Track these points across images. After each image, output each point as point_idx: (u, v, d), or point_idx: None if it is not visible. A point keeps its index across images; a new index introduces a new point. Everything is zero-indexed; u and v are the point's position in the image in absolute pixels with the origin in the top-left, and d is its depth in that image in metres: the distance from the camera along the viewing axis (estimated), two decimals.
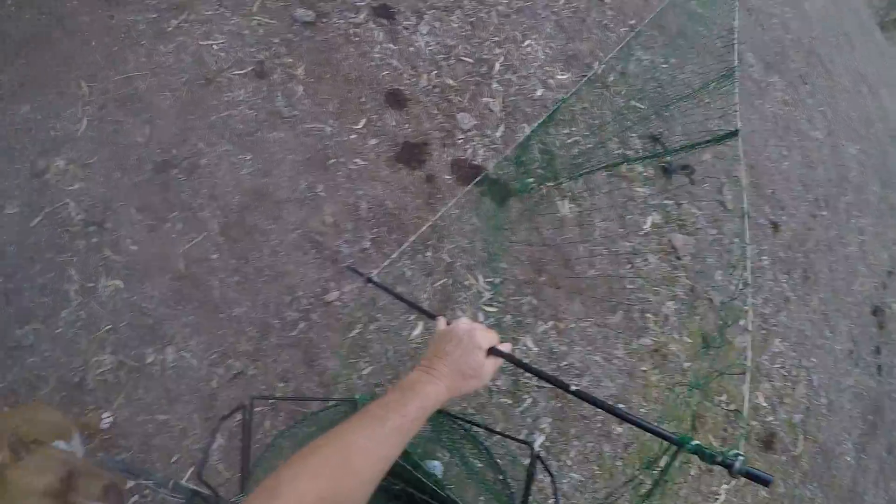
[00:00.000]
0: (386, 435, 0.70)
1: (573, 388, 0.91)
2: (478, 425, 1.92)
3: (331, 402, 1.80)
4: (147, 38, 2.90)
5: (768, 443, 3.53)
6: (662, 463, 0.96)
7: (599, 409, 0.88)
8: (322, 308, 2.36)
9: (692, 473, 3.06)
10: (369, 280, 1.61)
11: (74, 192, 2.46)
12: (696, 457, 0.78)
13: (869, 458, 4.82)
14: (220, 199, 2.53)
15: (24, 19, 2.98)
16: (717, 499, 3.24)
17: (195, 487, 1.21)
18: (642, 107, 3.45)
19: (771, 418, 3.55)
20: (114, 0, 3.01)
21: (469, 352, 0.85)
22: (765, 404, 3.50)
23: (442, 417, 1.87)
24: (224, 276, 2.39)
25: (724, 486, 3.28)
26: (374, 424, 0.71)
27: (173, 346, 2.26)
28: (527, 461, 1.46)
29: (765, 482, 0.74)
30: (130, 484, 1.93)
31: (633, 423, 0.84)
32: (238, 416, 1.31)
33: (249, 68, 2.87)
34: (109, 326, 2.23)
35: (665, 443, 0.82)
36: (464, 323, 0.91)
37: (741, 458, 0.73)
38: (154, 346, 2.23)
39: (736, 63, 2.66)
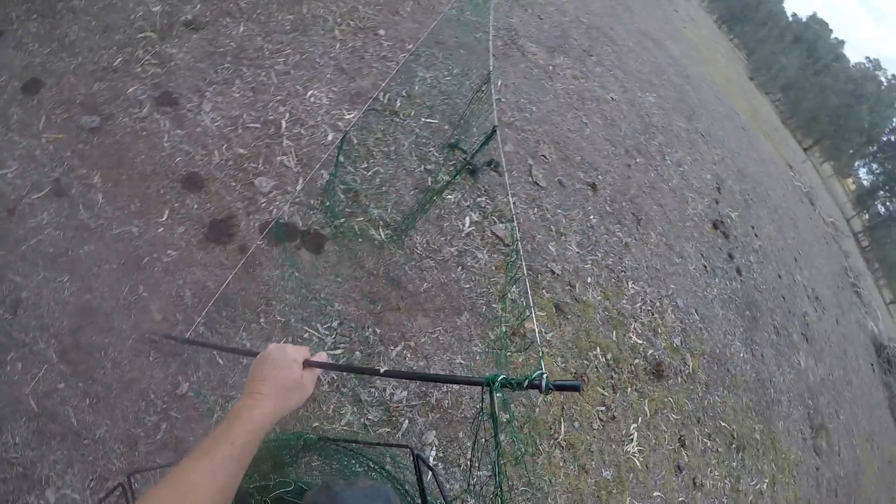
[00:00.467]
0: (217, 466, 0.72)
1: (382, 370, 1.02)
2: (358, 442, 1.98)
3: None
4: None
5: (658, 372, 3.79)
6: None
7: (416, 380, 0.97)
8: (178, 403, 2.34)
9: (595, 427, 3.25)
10: (184, 341, 1.63)
11: None
12: (517, 391, 0.87)
13: (761, 346, 5.29)
14: (50, 327, 2.46)
15: None
16: (631, 439, 3.45)
17: None
18: (434, 121, 3.75)
19: (651, 351, 3.84)
20: None
21: (284, 367, 0.91)
22: (640, 342, 3.79)
23: (327, 445, 1.93)
24: (76, 402, 2.32)
25: (633, 426, 3.49)
26: (204, 458, 0.72)
27: (51, 487, 2.15)
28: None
29: (575, 388, 0.82)
30: None
31: (442, 381, 0.94)
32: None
33: (47, 189, 2.83)
34: None
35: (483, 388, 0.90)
36: (273, 345, 0.96)
37: (545, 375, 0.80)
38: (34, 493, 2.11)
39: (491, 67, 2.99)
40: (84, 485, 2.18)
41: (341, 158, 3.04)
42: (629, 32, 8.23)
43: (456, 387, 2.78)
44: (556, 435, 3.03)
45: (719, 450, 4.18)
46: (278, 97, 3.45)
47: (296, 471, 2.00)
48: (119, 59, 3.30)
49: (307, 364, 0.95)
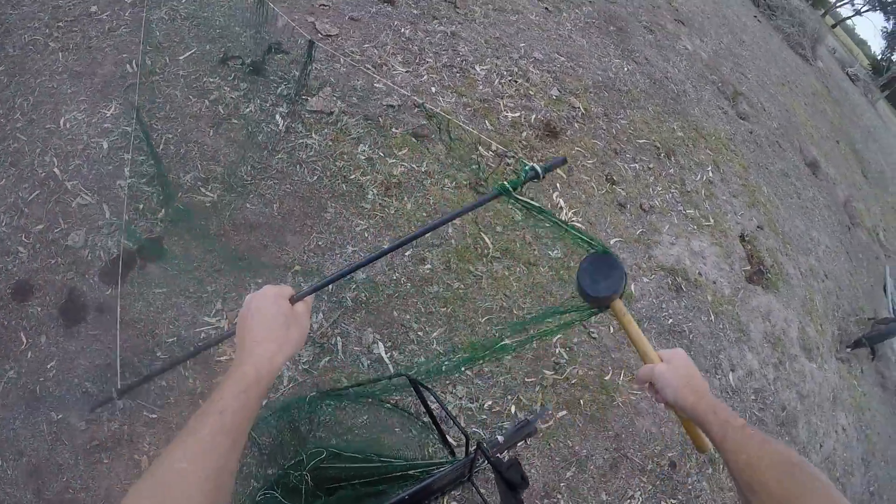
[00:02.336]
0: (206, 446, 0.60)
1: (385, 248, 1.02)
2: (358, 384, 2.04)
3: None
4: None
5: (552, 131, 3.62)
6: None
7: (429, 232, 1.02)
8: None
9: (519, 219, 3.13)
10: (121, 392, 1.49)
11: None
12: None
13: (641, 51, 5.14)
14: None
15: None
16: (560, 208, 3.36)
17: None
18: (192, 50, 3.20)
19: (534, 115, 3.64)
20: None
21: (270, 305, 0.79)
22: (517, 114, 3.57)
23: (331, 397, 2.00)
24: None
25: (556, 195, 3.39)
26: (189, 440, 0.61)
27: None
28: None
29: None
30: None
31: (460, 215, 1.03)
32: None
33: None
34: None
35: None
36: (249, 295, 0.82)
37: (537, 165, 0.97)
38: None
39: None
40: None
41: (124, 157, 2.58)
42: None
43: (362, 275, 2.59)
44: (485, 252, 2.91)
45: (651, 166, 4.16)
46: (37, 150, 2.91)
47: (317, 436, 2.01)
48: None
49: (294, 299, 0.84)
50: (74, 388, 2.34)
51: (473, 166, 3.10)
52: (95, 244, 2.63)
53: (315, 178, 2.74)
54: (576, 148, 3.69)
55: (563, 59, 4.18)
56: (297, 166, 2.75)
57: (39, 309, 2.53)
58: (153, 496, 0.57)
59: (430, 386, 1.59)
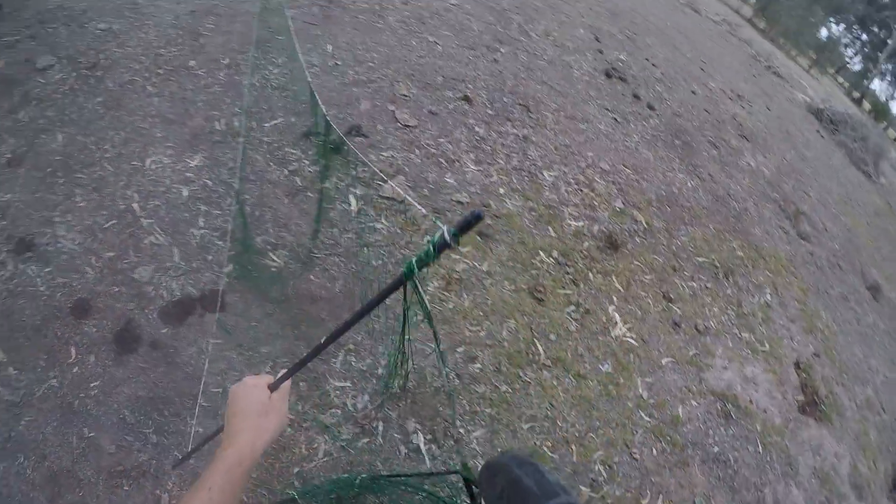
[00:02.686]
0: None
1: (322, 340, 0.98)
2: (408, 475, 2.01)
3: None
4: None
5: (612, 244, 3.62)
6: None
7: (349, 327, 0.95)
8: None
9: (573, 329, 3.08)
10: (185, 457, 1.52)
11: None
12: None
13: (705, 167, 5.18)
14: None
15: None
16: (615, 323, 3.30)
17: None
18: (279, 120, 3.41)
19: (596, 226, 3.66)
20: None
21: (248, 395, 0.89)
22: (581, 223, 3.60)
23: (380, 482, 1.96)
24: None
25: (612, 308, 3.34)
26: None
27: None
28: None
29: (478, 217, 0.72)
30: None
31: (370, 309, 0.92)
32: None
33: None
34: None
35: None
36: (233, 385, 0.93)
37: (446, 228, 0.73)
38: None
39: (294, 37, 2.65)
40: None
41: (200, 208, 2.72)
42: None
43: (417, 366, 2.57)
44: (536, 358, 2.85)
45: (708, 285, 4.09)
46: (121, 182, 3.12)
47: None
48: None
49: (272, 387, 0.93)
50: (112, 413, 2.35)
51: (533, 272, 3.10)
52: (161, 283, 2.72)
53: (380, 262, 2.79)
54: (635, 262, 3.66)
55: (628, 170, 4.25)
56: (365, 248, 2.82)
57: (94, 330, 2.59)
58: None
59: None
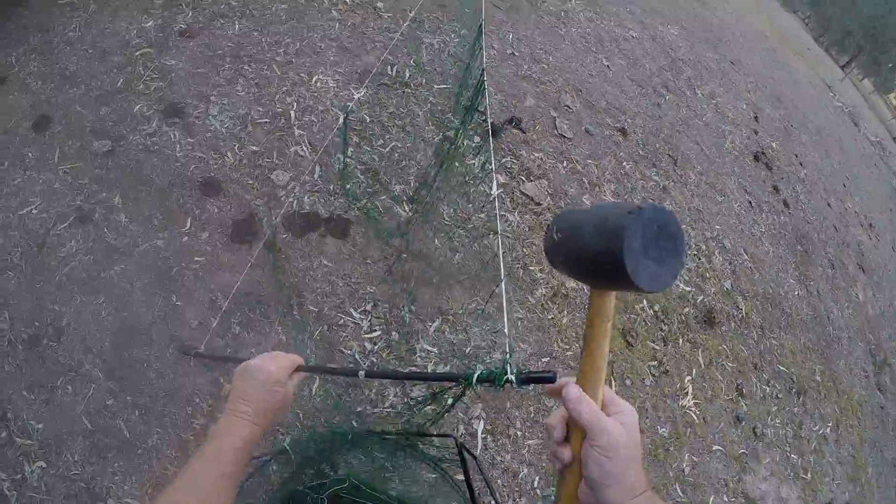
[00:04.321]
0: (209, 486, 0.71)
1: (361, 373, 0.97)
2: (404, 433, 1.98)
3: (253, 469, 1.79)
4: None
5: (710, 320, 3.62)
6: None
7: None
8: (222, 403, 2.34)
9: (648, 383, 3.12)
10: (196, 355, 1.62)
11: None
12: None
13: (816, 282, 5.02)
14: (93, 348, 2.49)
15: None
16: (686, 393, 3.31)
17: None
18: (447, 86, 3.56)
19: (701, 297, 3.65)
20: None
21: (268, 391, 0.88)
22: (688, 289, 3.60)
23: (374, 438, 1.91)
24: (126, 415, 2.35)
25: (688, 378, 3.35)
26: (194, 479, 0.71)
27: (112, 497, 2.20)
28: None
29: (548, 381, 0.73)
30: None
31: (422, 379, 0.90)
32: None
33: (72, 218, 2.83)
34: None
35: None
36: (256, 360, 0.92)
37: (516, 373, 0.76)
38: None
39: (482, 20, 2.79)
40: (143, 491, 2.22)
41: (353, 138, 2.91)
42: None
43: (498, 355, 2.68)
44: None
45: (779, 396, 4.00)
46: (284, 88, 3.34)
47: (346, 466, 1.97)
48: (121, 81, 3.27)
49: (300, 368, 0.94)
50: (206, 291, 2.55)
51: (632, 316, 3.14)
52: (292, 191, 2.90)
53: (502, 251, 2.90)
54: (723, 345, 3.64)
55: (746, 257, 4.18)
56: (491, 234, 2.94)
57: (216, 210, 2.82)
58: None
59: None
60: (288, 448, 1.66)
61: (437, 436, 1.94)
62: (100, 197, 2.87)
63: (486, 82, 2.26)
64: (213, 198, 2.84)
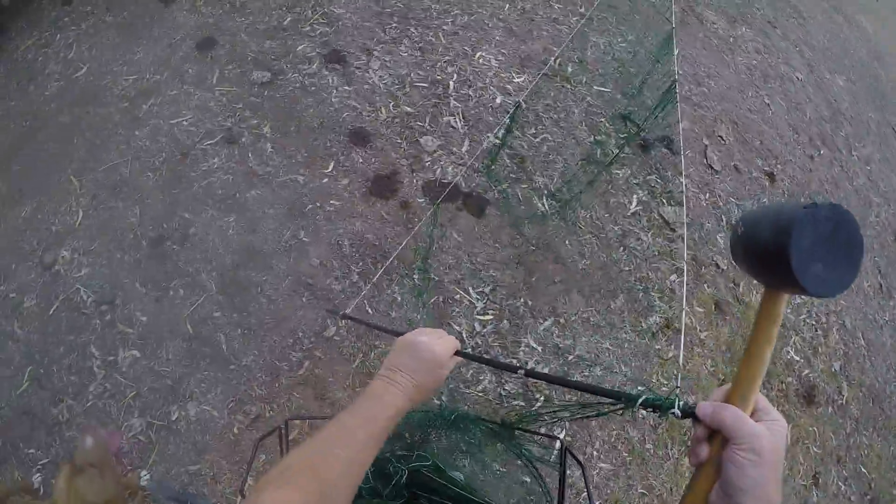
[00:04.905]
0: (359, 444, 0.73)
1: (521, 371, 0.96)
2: (508, 426, 1.91)
3: None
4: (123, 127, 3.05)
5: (809, 397, 3.42)
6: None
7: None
8: (323, 344, 2.41)
9: None
10: (343, 316, 1.67)
11: (83, 277, 2.60)
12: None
13: None
14: (213, 261, 2.63)
15: (9, 129, 3.17)
16: None
17: None
18: (607, 90, 3.46)
19: (807, 371, 3.45)
20: (86, 97, 3.18)
21: (433, 369, 0.88)
22: (797, 358, 3.40)
23: (477, 424, 1.88)
24: (229, 330, 2.48)
25: None
26: (347, 435, 0.73)
27: (194, 401, 2.35)
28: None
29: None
30: None
31: (583, 390, 0.89)
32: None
33: (219, 136, 2.99)
34: (134, 392, 2.34)
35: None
36: (424, 337, 0.91)
37: (679, 406, 0.74)
38: (177, 404, 2.33)
39: (673, 25, 2.68)
40: (224, 404, 2.35)
41: (511, 123, 2.88)
42: (817, 3, 7.13)
43: (598, 371, 2.63)
44: (689, 442, 2.81)
45: (852, 497, 3.75)
46: (446, 57, 3.34)
47: (436, 446, 1.98)
48: (288, 19, 3.39)
49: (457, 352, 0.94)
50: (334, 235, 2.66)
51: (734, 369, 2.99)
52: (439, 160, 2.92)
53: (627, 269, 2.83)
54: (813, 427, 3.42)
55: (863, 342, 3.89)
56: (621, 248, 2.87)
57: (360, 160, 2.88)
58: (317, 470, 0.65)
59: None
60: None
61: (545, 435, 1.92)
62: (250, 123, 3.00)
63: (677, 93, 2.15)
64: (360, 148, 2.90)
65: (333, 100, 3.03)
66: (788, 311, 3.48)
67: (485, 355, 2.42)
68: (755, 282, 2.52)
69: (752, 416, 0.60)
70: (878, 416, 3.95)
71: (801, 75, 5.07)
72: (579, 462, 1.31)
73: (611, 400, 0.88)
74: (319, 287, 2.54)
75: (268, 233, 2.69)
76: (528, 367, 2.25)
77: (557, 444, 1.58)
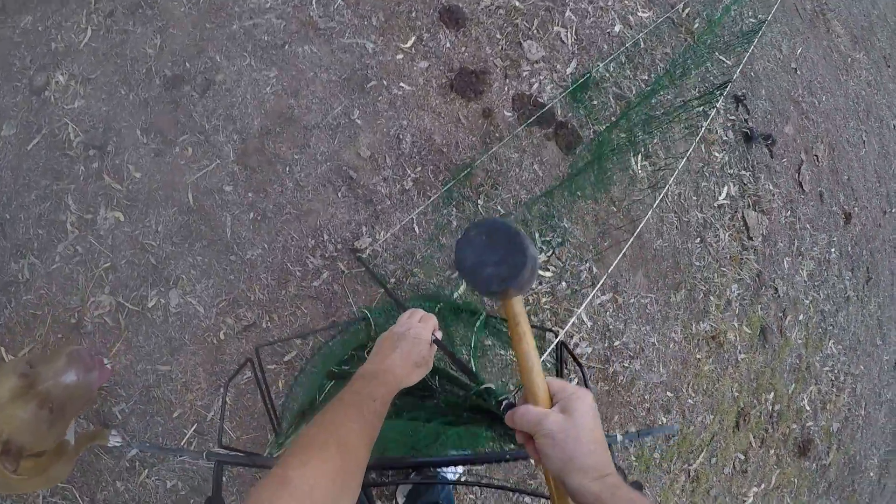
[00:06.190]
0: (368, 419, 0.74)
1: (505, 404, 0.85)
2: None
3: (339, 328, 1.61)
4: None
5: (804, 449, 3.27)
6: None
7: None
8: (350, 257, 2.02)
9: (726, 471, 2.82)
10: (358, 255, 1.39)
11: (74, 111, 2.10)
12: None
13: (889, 478, 4.61)
14: (237, 121, 2.14)
15: None
16: (745, 501, 3.02)
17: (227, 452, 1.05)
18: (728, 62, 3.02)
19: (811, 423, 3.29)
20: None
21: (415, 346, 0.90)
22: (808, 408, 3.23)
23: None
24: (238, 211, 2.05)
25: (755, 489, 3.04)
26: (355, 412, 0.74)
27: (178, 289, 1.96)
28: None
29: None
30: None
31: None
32: (247, 373, 1.13)
33: None
34: (108, 264, 1.93)
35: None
36: (401, 324, 0.95)
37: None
38: (157, 289, 1.93)
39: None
40: (213, 301, 1.96)
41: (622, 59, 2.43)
42: None
43: (637, 366, 2.35)
44: (691, 461, 2.61)
45: None
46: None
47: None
48: None
49: (434, 340, 0.95)
50: (395, 128, 2.25)
51: (754, 400, 2.78)
52: (539, 73, 2.47)
53: (698, 264, 2.52)
54: (796, 478, 3.29)
55: (862, 413, 3.76)
56: (698, 240, 2.54)
57: (448, 44, 2.46)
58: (339, 442, 0.66)
59: None
60: (368, 313, 1.38)
61: (541, 328, 1.83)
62: None
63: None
64: (451, 30, 2.41)
65: None
66: (817, 358, 3.27)
67: (532, 317, 2.07)
68: (802, 318, 2.18)
69: (551, 401, 0.65)
70: (847, 487, 3.88)
71: None
72: (578, 361, 1.22)
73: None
74: (362, 184, 2.12)
75: (313, 101, 2.21)
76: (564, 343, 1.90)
77: (553, 339, 1.38)
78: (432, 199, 2.10)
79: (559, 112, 2.34)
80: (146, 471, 1.84)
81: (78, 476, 1.85)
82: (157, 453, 1.77)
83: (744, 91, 3.00)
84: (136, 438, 1.85)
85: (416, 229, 2.09)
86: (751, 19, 3.43)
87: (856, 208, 3.62)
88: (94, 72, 2.15)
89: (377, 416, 0.76)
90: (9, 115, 2.10)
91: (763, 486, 3.08)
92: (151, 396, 1.88)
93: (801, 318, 3.05)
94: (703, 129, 2.68)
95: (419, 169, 2.17)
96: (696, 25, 3.05)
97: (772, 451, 3.07)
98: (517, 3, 2.55)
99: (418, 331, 0.93)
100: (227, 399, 1.83)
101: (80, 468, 1.84)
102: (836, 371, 3.41)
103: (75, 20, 2.22)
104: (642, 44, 2.71)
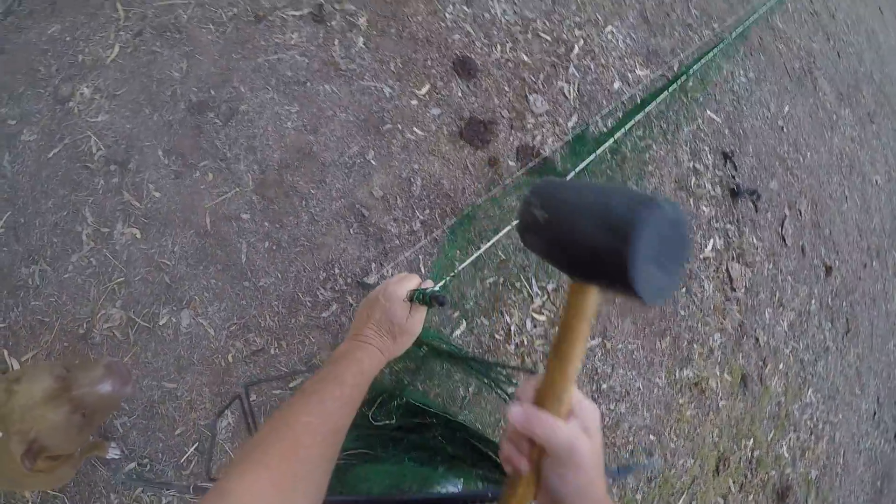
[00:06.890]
0: (329, 408, 0.68)
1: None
2: (488, 363, 1.74)
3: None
4: None
5: (782, 495, 3.34)
6: None
7: None
8: (359, 291, 2.12)
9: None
10: (363, 284, 1.39)
11: (98, 124, 2.20)
12: None
13: None
14: (258, 151, 2.27)
15: None
16: None
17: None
18: (718, 119, 3.19)
19: (790, 471, 3.37)
20: None
21: (388, 309, 0.84)
22: (787, 455, 3.32)
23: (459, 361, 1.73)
24: (254, 239, 2.15)
25: None
26: (314, 401, 0.68)
27: (190, 309, 2.04)
28: None
29: (440, 303, 0.84)
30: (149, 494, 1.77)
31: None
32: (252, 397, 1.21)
33: (307, 10, 2.59)
34: (122, 279, 2.01)
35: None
36: (379, 287, 0.89)
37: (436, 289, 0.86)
38: (169, 307, 2.01)
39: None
40: (224, 324, 2.05)
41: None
42: None
43: (623, 408, 2.44)
44: (672, 503, 2.69)
45: None
46: (577, 18, 3.00)
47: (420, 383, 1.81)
48: None
49: (414, 300, 0.86)
50: (406, 171, 2.37)
51: (733, 446, 2.87)
52: (542, 126, 2.61)
53: (682, 312, 2.64)
54: None
55: (840, 461, 3.86)
56: (683, 289, 2.65)
57: (460, 94, 2.58)
58: (285, 442, 0.61)
59: None
60: None
61: (518, 368, 1.84)
62: (347, 7, 2.61)
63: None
64: (463, 80, 2.57)
65: (447, 16, 2.67)
66: (795, 406, 3.37)
67: (526, 359, 2.18)
68: (782, 367, 2.29)
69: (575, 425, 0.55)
70: None
71: (881, 180, 4.90)
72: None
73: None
74: (374, 222, 2.24)
75: (331, 139, 2.35)
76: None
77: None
78: (435, 234, 2.22)
79: (559, 164, 2.48)
80: (142, 485, 1.90)
81: (71, 486, 1.89)
82: (144, 487, 1.81)
83: (732, 148, 3.16)
84: (135, 453, 1.90)
85: (422, 268, 2.20)
86: (742, 78, 3.63)
87: (836, 261, 3.77)
88: (119, 88, 2.26)
89: (344, 403, 0.70)
90: (31, 120, 2.18)
91: None
92: (155, 412, 1.95)
93: (780, 367, 3.17)
94: (693, 183, 2.84)
95: (427, 212, 2.29)
96: (690, 84, 3.23)
97: (751, 497, 3.15)
98: (525, 58, 2.72)
99: (391, 289, 0.86)
100: (230, 419, 1.90)
101: (74, 478, 1.89)
102: (814, 419, 3.51)
103: (104, 34, 2.35)
104: (638, 99, 2.87)
